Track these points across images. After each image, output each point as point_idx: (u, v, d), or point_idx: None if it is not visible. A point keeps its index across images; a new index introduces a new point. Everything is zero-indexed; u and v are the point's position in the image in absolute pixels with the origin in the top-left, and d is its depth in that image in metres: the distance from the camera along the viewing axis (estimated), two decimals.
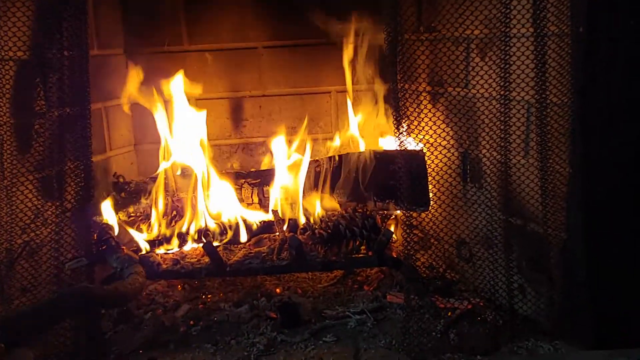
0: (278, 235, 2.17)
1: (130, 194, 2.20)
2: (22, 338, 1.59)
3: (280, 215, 2.21)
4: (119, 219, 2.17)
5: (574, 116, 1.63)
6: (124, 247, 2.03)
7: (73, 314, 1.71)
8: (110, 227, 2.08)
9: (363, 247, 2.11)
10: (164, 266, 2.03)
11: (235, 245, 2.20)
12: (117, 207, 2.17)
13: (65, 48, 1.70)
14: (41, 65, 1.78)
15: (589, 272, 1.68)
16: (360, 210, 2.21)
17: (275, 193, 2.25)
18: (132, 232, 2.14)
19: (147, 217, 2.23)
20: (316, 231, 2.09)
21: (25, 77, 1.79)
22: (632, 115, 1.63)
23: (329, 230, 2.08)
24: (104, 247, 2.00)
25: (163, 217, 2.19)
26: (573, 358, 1.66)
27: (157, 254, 2.08)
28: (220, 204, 2.22)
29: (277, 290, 2.18)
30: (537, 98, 1.71)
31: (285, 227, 2.19)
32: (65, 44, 1.69)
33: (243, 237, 2.17)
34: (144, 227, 2.18)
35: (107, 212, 2.12)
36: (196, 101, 2.41)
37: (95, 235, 2.00)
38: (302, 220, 2.18)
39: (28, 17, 1.71)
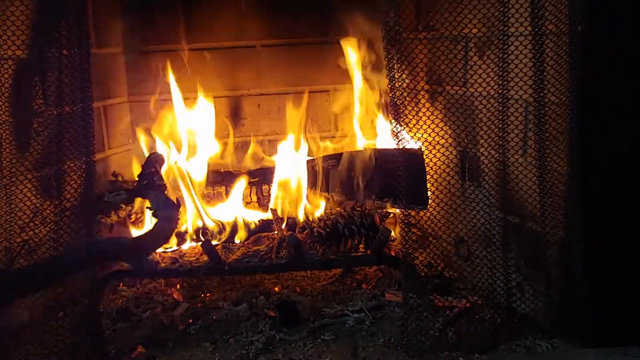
0: (277, 234, 2.18)
1: (129, 193, 2.20)
2: (19, 295, 1.57)
3: (279, 213, 2.21)
4: (118, 217, 2.17)
5: (572, 115, 1.64)
6: (165, 187, 1.96)
7: (78, 269, 1.67)
8: (159, 159, 2.01)
9: (361, 246, 2.12)
10: (163, 265, 2.02)
11: (234, 244, 2.19)
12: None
13: (65, 47, 1.70)
14: (40, 64, 1.78)
15: (587, 270, 1.68)
16: (358, 208, 2.21)
17: (274, 191, 2.25)
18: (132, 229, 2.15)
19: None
20: (315, 230, 2.10)
21: (24, 76, 1.79)
22: (631, 114, 1.63)
23: (328, 229, 2.08)
24: (146, 182, 1.93)
25: None
26: (571, 356, 1.67)
27: (155, 253, 2.07)
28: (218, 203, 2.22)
29: (276, 288, 2.18)
30: (535, 97, 1.72)
31: (284, 226, 2.19)
32: (64, 42, 1.69)
33: (241, 235, 2.17)
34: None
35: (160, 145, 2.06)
36: (194, 100, 2.41)
37: (141, 166, 1.93)
38: (301, 218, 2.18)
39: (27, 16, 1.71)
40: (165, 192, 1.96)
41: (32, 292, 1.63)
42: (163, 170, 2.04)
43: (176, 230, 1.91)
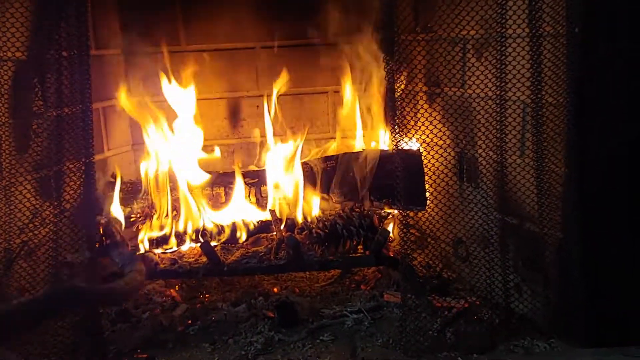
0: (275, 235, 2.18)
1: (127, 194, 2.20)
2: (9, 335, 1.58)
3: (277, 214, 2.21)
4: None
5: (570, 116, 1.64)
6: (127, 243, 2.02)
7: (64, 312, 1.71)
8: (117, 221, 2.07)
9: (360, 247, 2.12)
10: (162, 266, 2.03)
11: (233, 245, 2.20)
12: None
13: (64, 48, 1.70)
14: (39, 66, 1.79)
15: (585, 271, 1.69)
16: (357, 210, 2.22)
17: (273, 193, 2.25)
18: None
19: (146, 217, 2.23)
20: (313, 231, 2.10)
21: (23, 77, 1.79)
22: (628, 115, 1.64)
23: (326, 230, 2.09)
24: (108, 242, 1.99)
25: (165, 216, 2.19)
26: (569, 356, 1.67)
27: (155, 254, 2.08)
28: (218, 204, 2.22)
29: (275, 289, 2.19)
30: (532, 98, 1.73)
31: (282, 227, 2.19)
32: (63, 44, 1.69)
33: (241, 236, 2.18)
34: (145, 226, 2.19)
35: (115, 207, 2.11)
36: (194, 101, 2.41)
37: (100, 228, 1.99)
38: (300, 219, 2.19)
39: (26, 18, 1.71)
40: (126, 246, 2.03)
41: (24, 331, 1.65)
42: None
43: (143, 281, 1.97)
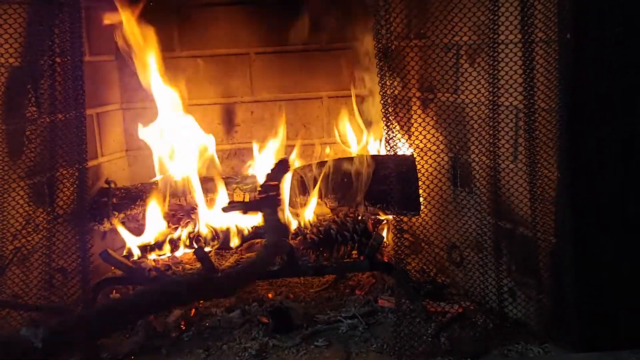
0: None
1: (122, 200, 2.20)
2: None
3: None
4: (111, 225, 2.17)
5: (562, 121, 1.65)
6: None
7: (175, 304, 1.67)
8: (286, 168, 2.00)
9: (354, 252, 2.12)
10: (155, 273, 2.02)
11: (227, 251, 2.20)
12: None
13: (58, 55, 1.70)
14: (33, 72, 1.79)
15: (578, 275, 1.70)
16: (351, 215, 2.22)
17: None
18: (125, 235, 2.15)
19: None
20: (307, 236, 2.10)
21: (16, 83, 1.79)
22: (620, 120, 1.65)
23: (321, 235, 2.09)
24: (264, 196, 1.90)
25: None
26: None
27: (148, 259, 2.07)
28: (212, 210, 2.22)
29: (269, 295, 2.19)
30: (525, 103, 1.74)
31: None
32: (57, 50, 1.69)
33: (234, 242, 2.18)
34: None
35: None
36: (188, 107, 2.41)
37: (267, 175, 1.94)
38: (294, 225, 2.19)
39: (20, 24, 1.72)
40: (279, 209, 1.93)
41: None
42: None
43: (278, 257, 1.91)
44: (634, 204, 1.68)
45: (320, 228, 2.12)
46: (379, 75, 1.73)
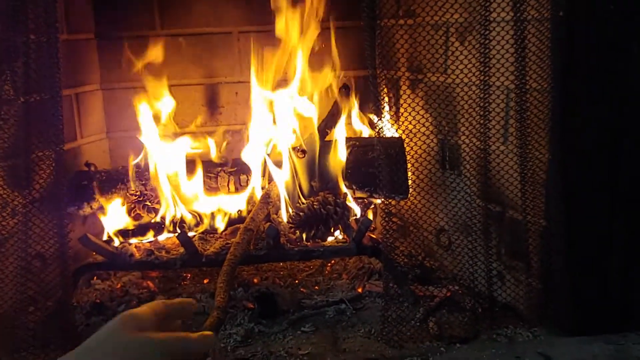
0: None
1: (102, 183, 2.13)
2: None
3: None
4: (91, 209, 2.11)
5: (554, 102, 1.62)
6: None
7: None
8: None
9: (340, 232, 2.08)
10: (137, 256, 1.97)
11: (212, 235, 2.15)
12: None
13: (32, 31, 1.63)
14: (7, 51, 1.71)
15: (567, 259, 1.68)
16: (329, 194, 2.16)
17: (252, 182, 2.20)
18: (106, 220, 2.09)
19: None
20: (292, 214, 2.05)
21: None
22: (613, 101, 1.62)
23: (304, 212, 2.03)
24: None
25: (142, 207, 2.13)
26: (551, 344, 1.66)
27: (130, 244, 2.02)
28: (195, 193, 2.17)
29: (255, 280, 2.15)
30: (516, 84, 1.69)
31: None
32: (31, 27, 1.62)
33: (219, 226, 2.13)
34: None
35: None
36: (170, 87, 2.34)
37: None
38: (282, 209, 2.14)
39: None
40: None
41: None
42: None
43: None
44: (625, 186, 1.66)
45: (302, 206, 2.07)
46: (367, 56, 1.68)
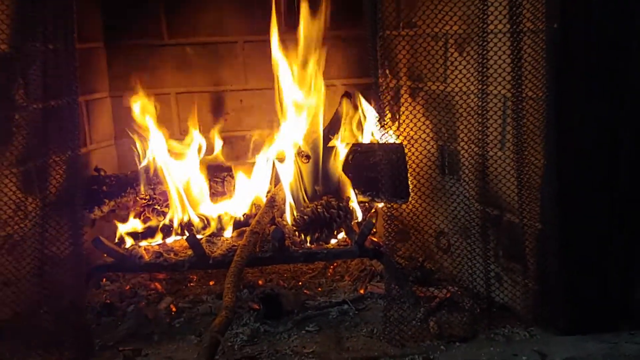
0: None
1: (112, 188, 2.20)
2: None
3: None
4: (102, 212, 2.17)
5: (549, 110, 1.69)
6: None
7: None
8: None
9: (343, 234, 2.14)
10: (147, 259, 2.03)
11: (218, 238, 2.21)
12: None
13: (50, 40, 1.69)
14: (23, 58, 1.78)
15: (563, 260, 1.74)
16: (332, 198, 2.23)
17: (257, 186, 2.27)
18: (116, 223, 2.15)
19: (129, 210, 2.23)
20: (297, 218, 2.12)
21: (5, 69, 1.78)
22: (605, 108, 1.69)
23: (309, 216, 2.10)
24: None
25: (151, 210, 2.20)
26: (548, 343, 1.72)
27: (139, 247, 2.08)
28: (203, 197, 2.23)
29: (260, 282, 2.21)
30: (513, 92, 1.77)
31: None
32: (50, 36, 1.68)
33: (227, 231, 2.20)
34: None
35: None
36: (177, 95, 2.41)
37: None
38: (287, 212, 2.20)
39: (11, 10, 1.70)
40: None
41: None
42: None
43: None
44: (619, 190, 1.72)
45: (306, 210, 2.14)
46: (370, 65, 1.75)
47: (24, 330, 1.78)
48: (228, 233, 2.19)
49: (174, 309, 2.02)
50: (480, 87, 1.82)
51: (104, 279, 2.21)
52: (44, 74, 1.71)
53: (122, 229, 2.14)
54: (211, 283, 2.23)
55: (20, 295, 1.77)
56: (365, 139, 2.38)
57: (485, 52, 1.79)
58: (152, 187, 2.24)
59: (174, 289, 2.19)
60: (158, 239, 2.12)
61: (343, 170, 2.20)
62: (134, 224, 2.18)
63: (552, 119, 1.68)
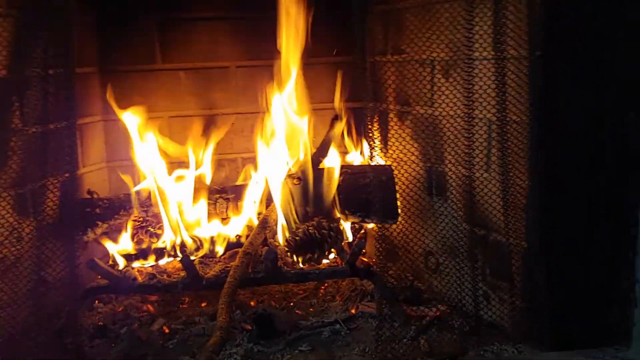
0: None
1: (104, 210, 2.22)
2: None
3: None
4: (95, 235, 2.19)
5: (532, 133, 1.76)
6: None
7: None
8: None
9: (334, 254, 2.18)
10: (140, 280, 2.05)
11: (211, 259, 2.24)
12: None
13: (50, 66, 1.74)
14: (20, 83, 1.81)
15: (548, 278, 1.79)
16: (323, 219, 2.27)
17: (250, 208, 2.31)
18: (109, 246, 2.16)
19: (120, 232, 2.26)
20: (289, 240, 2.15)
21: (2, 94, 1.81)
22: (585, 132, 1.76)
23: (300, 237, 2.13)
24: None
25: (145, 232, 2.22)
26: (535, 359, 1.77)
27: (133, 268, 2.10)
28: (195, 219, 2.26)
29: (252, 303, 2.23)
30: (498, 116, 1.83)
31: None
32: (50, 61, 1.73)
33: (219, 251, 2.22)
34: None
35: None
36: (169, 119, 2.45)
37: None
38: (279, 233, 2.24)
39: (7, 37, 1.74)
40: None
41: None
42: None
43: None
44: (599, 211, 1.79)
45: (298, 231, 2.17)
46: (362, 90, 1.81)
47: (18, 352, 1.79)
48: (220, 253, 2.22)
49: (167, 331, 2.03)
50: (466, 111, 1.88)
51: (97, 301, 2.21)
52: (43, 98, 1.75)
53: (115, 250, 2.16)
54: (203, 304, 2.24)
55: (15, 317, 1.78)
56: (355, 160, 2.44)
57: (471, 77, 1.86)
58: (145, 209, 2.26)
59: (166, 311, 2.20)
60: (151, 260, 2.14)
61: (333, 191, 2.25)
62: (127, 246, 2.20)
63: (535, 143, 1.74)
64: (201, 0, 2.57)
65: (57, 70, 1.74)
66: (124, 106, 2.36)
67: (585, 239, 1.80)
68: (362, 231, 2.37)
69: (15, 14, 1.79)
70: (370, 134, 1.87)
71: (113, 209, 2.25)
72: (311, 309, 2.19)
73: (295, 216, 2.23)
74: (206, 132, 2.54)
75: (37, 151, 1.83)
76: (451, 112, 1.98)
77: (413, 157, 1.97)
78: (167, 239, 2.20)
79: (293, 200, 2.24)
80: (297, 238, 2.12)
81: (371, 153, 1.86)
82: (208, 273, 2.07)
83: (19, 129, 1.84)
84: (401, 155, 1.93)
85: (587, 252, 1.80)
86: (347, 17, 1.78)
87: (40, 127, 1.81)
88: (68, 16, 1.71)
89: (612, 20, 1.69)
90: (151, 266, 2.17)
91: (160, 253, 2.16)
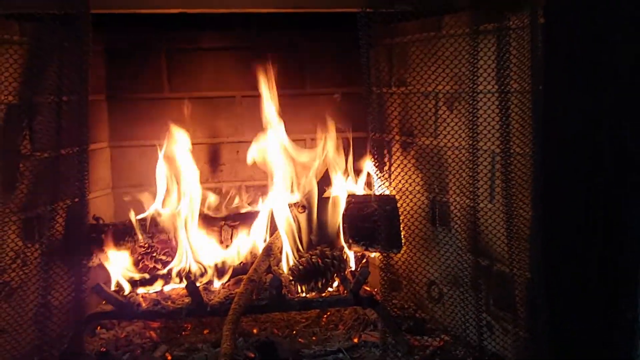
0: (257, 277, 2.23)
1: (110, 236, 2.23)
2: None
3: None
4: (99, 260, 2.19)
5: (535, 165, 1.79)
6: None
7: None
8: None
9: (337, 282, 2.19)
10: (145, 306, 2.05)
11: (215, 286, 2.24)
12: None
13: (64, 93, 1.77)
14: (29, 109, 1.85)
15: (551, 309, 1.80)
16: (326, 248, 2.29)
17: (254, 235, 2.32)
18: (113, 270, 2.17)
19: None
20: (293, 269, 2.16)
21: (13, 120, 1.84)
22: (588, 163, 1.78)
23: (304, 266, 2.15)
24: None
25: (150, 258, 2.23)
26: None
27: (137, 294, 2.10)
28: (200, 246, 2.27)
29: (254, 330, 2.23)
30: (501, 148, 1.87)
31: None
32: (64, 89, 1.76)
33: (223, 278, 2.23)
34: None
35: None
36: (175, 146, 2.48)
37: None
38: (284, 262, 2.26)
39: (19, 64, 1.78)
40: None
41: None
42: None
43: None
44: (600, 241, 1.81)
45: (301, 260, 2.19)
46: (368, 121, 1.85)
47: None
48: (224, 280, 2.22)
49: (169, 357, 2.03)
50: (470, 142, 1.92)
51: (99, 327, 2.21)
52: (56, 124, 1.77)
53: (119, 276, 2.16)
54: (206, 332, 2.24)
55: (19, 342, 1.78)
56: (359, 190, 2.46)
57: (475, 110, 1.90)
58: (150, 235, 2.27)
59: (169, 338, 2.19)
60: (157, 286, 2.14)
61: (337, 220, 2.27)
62: (131, 272, 2.20)
63: (538, 174, 1.77)
64: (208, 31, 2.62)
65: (70, 97, 1.78)
66: (129, 134, 2.39)
67: (587, 270, 1.81)
68: (364, 260, 2.38)
69: (28, 41, 1.84)
70: (375, 164, 1.90)
71: (118, 234, 2.26)
72: (314, 338, 2.19)
73: (299, 244, 2.24)
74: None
75: (46, 176, 1.85)
76: (455, 144, 2.02)
77: (417, 187, 2.00)
78: (173, 265, 2.21)
79: (298, 228, 2.25)
80: (300, 267, 2.14)
81: (375, 183, 1.89)
82: (212, 299, 2.08)
83: (29, 154, 1.86)
84: (406, 185, 1.96)
85: (590, 282, 1.81)
86: (349, 50, 1.82)
87: (51, 152, 1.83)
88: (84, 44, 1.74)
89: (613, 56, 1.74)
90: (156, 292, 2.16)
91: (166, 279, 2.16)
